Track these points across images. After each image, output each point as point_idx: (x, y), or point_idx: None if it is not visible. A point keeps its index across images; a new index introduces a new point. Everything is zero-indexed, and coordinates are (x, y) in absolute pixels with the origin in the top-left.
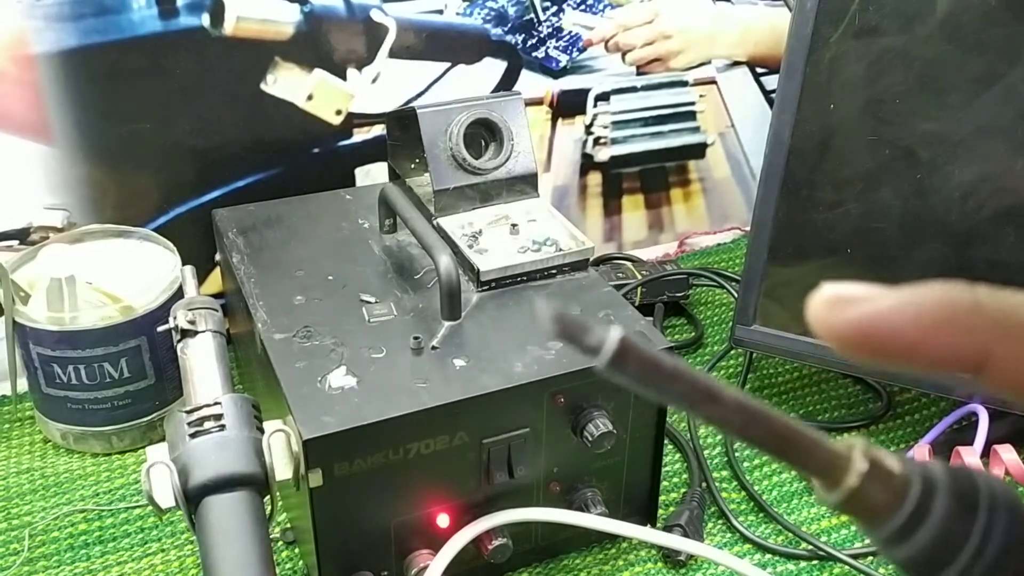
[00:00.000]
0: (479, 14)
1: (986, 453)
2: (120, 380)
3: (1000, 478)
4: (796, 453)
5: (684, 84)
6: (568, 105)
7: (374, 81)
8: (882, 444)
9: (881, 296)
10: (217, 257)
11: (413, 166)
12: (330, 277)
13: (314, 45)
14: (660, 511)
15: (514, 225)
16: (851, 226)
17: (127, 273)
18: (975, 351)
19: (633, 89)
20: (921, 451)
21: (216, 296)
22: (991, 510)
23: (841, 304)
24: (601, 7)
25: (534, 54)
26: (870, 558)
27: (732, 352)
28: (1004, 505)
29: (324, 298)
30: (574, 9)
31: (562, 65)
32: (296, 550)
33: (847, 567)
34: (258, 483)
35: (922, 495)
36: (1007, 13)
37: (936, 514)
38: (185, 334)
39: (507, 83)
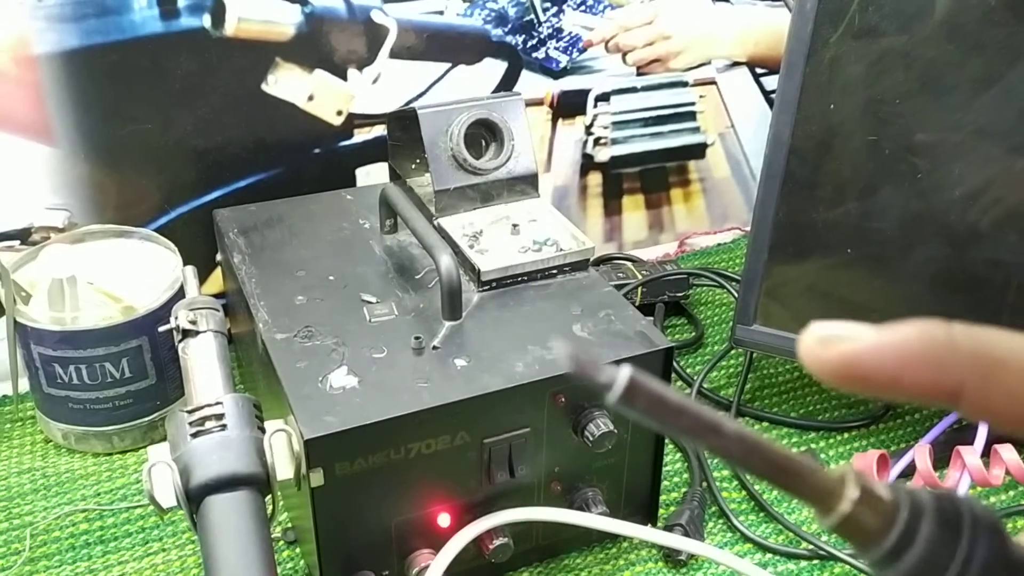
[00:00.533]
0: (479, 15)
1: (986, 453)
2: (121, 380)
3: (999, 479)
4: (792, 481)
5: (684, 84)
6: (568, 105)
7: (375, 82)
8: (882, 444)
9: (866, 334)
10: (218, 257)
11: (414, 166)
12: (331, 277)
13: (315, 46)
14: (661, 511)
15: (515, 225)
16: (851, 226)
17: (128, 273)
18: (950, 385)
19: (633, 89)
20: (922, 451)
21: (217, 296)
22: (973, 534)
23: (829, 342)
24: (601, 8)
25: (534, 55)
26: None
27: (732, 352)
28: (985, 529)
29: (325, 298)
30: (574, 10)
31: (562, 66)
32: (297, 550)
33: (847, 567)
34: (259, 483)
35: (909, 520)
36: (1007, 13)
37: (922, 538)
38: (186, 334)
39: (507, 84)
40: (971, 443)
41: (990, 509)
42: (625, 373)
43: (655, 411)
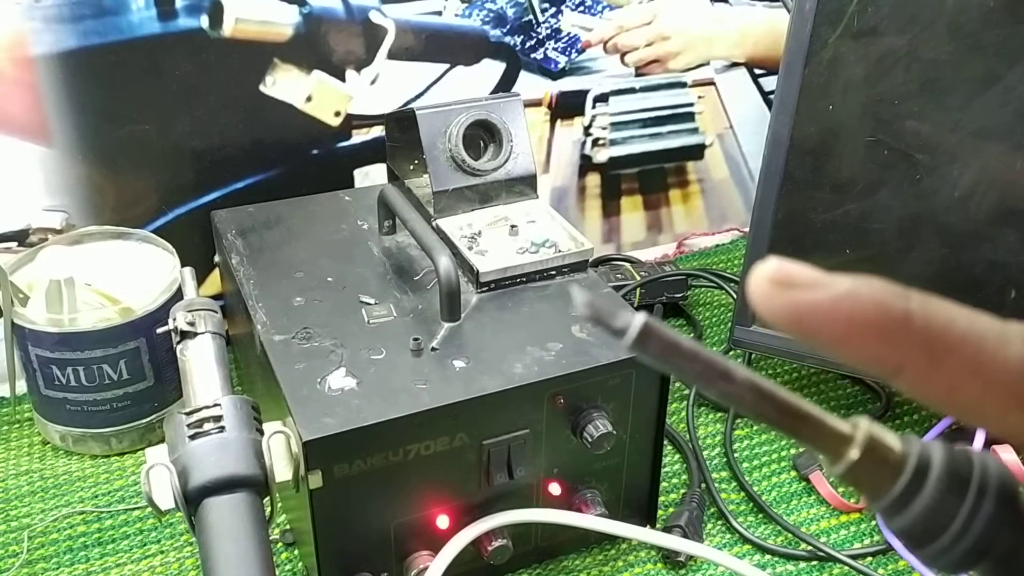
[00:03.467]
0: (478, 15)
1: None
2: (119, 382)
3: (1000, 462)
4: (804, 429)
5: (683, 85)
6: (567, 106)
7: (373, 82)
8: None
9: (822, 287)
10: (216, 258)
11: (412, 167)
12: (329, 278)
13: (313, 47)
14: (660, 512)
15: (513, 226)
16: (850, 227)
17: (126, 275)
18: (894, 361)
19: (632, 90)
20: None
21: (215, 297)
22: (980, 491)
23: (783, 285)
24: (600, 8)
25: (533, 55)
26: (869, 559)
27: (731, 353)
28: (995, 488)
29: (323, 299)
30: (573, 10)
31: (561, 66)
32: (296, 552)
33: (846, 568)
34: (258, 485)
35: (916, 471)
36: (1006, 14)
37: (928, 490)
38: (184, 336)
39: (506, 84)
40: (970, 443)
41: (1005, 468)
42: (640, 318)
43: (668, 356)
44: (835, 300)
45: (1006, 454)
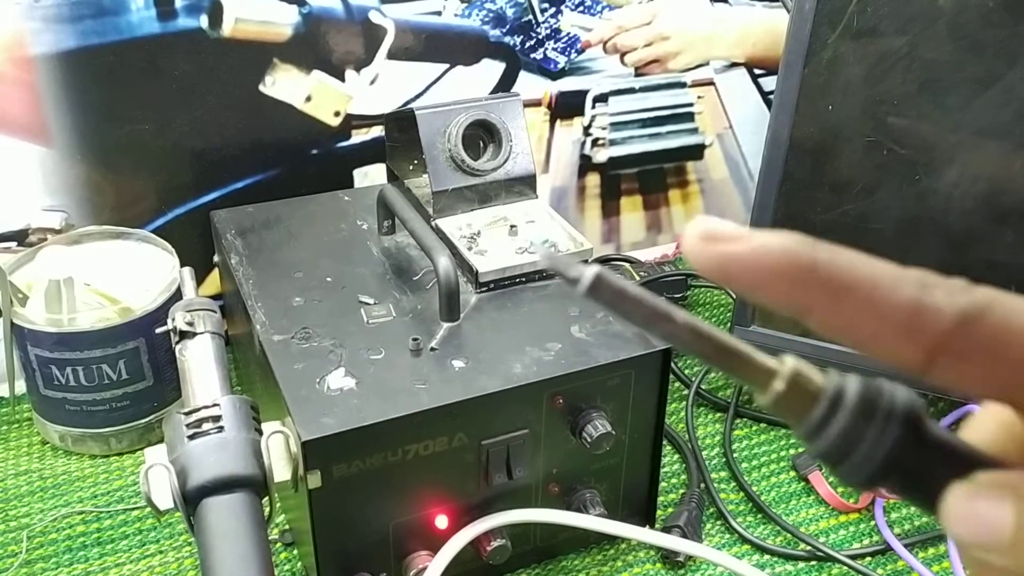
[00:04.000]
0: (477, 15)
1: None
2: (118, 382)
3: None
4: (736, 364)
5: (682, 85)
6: (566, 106)
7: (372, 82)
8: None
9: (741, 241)
10: (216, 258)
11: (412, 167)
12: (329, 278)
13: (312, 46)
14: (659, 512)
15: (513, 226)
16: (849, 227)
17: (125, 275)
18: (803, 302)
19: (631, 90)
20: None
21: (215, 297)
22: (887, 419)
23: (709, 240)
24: (599, 8)
25: (532, 55)
26: (868, 559)
27: None
28: (900, 416)
29: (323, 299)
30: (572, 10)
31: (560, 66)
32: (295, 551)
33: (845, 568)
34: (257, 484)
35: (833, 400)
36: (1005, 14)
37: (839, 418)
38: (183, 336)
39: (505, 84)
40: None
41: (912, 397)
42: (592, 270)
43: (616, 302)
44: (751, 251)
45: None
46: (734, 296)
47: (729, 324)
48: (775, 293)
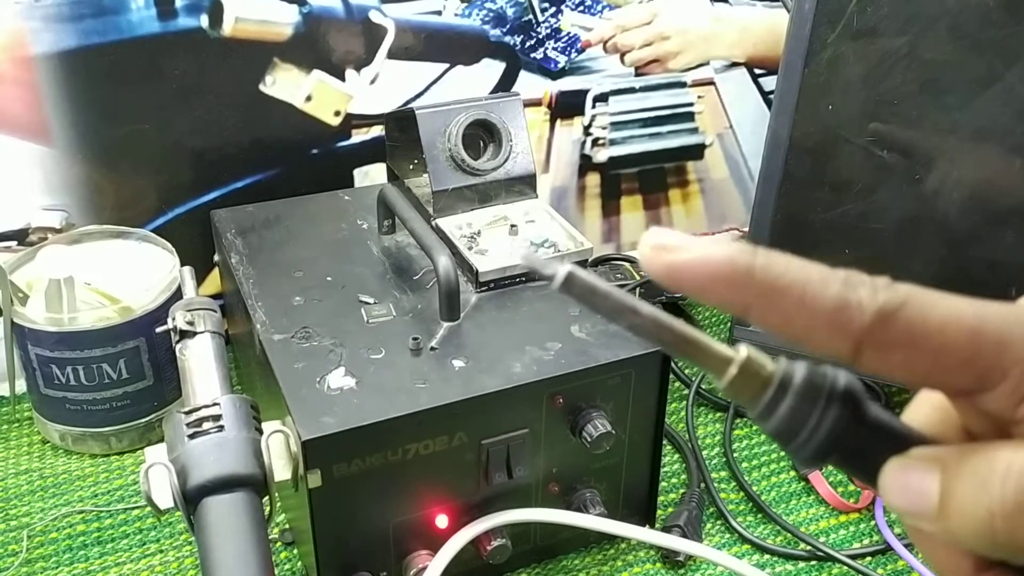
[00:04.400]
0: (478, 15)
1: None
2: (119, 381)
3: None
4: (694, 351)
5: (682, 85)
6: (567, 106)
7: (373, 82)
8: None
9: (688, 249)
10: (216, 258)
11: (412, 167)
12: (329, 278)
13: (313, 46)
14: (659, 512)
15: (513, 226)
16: (849, 227)
17: (126, 274)
18: (742, 303)
19: (631, 90)
20: None
21: (215, 297)
22: (828, 403)
23: (660, 249)
24: (600, 8)
25: (533, 55)
26: (868, 558)
27: None
28: (839, 400)
29: (323, 299)
30: (572, 10)
31: (560, 66)
32: (295, 551)
33: (845, 567)
34: (257, 484)
35: (781, 384)
36: (1005, 14)
37: (785, 403)
38: (184, 335)
39: (506, 84)
40: None
41: (852, 380)
42: (565, 268)
43: (586, 297)
44: (695, 259)
45: None
46: None
47: (729, 323)
48: (717, 296)
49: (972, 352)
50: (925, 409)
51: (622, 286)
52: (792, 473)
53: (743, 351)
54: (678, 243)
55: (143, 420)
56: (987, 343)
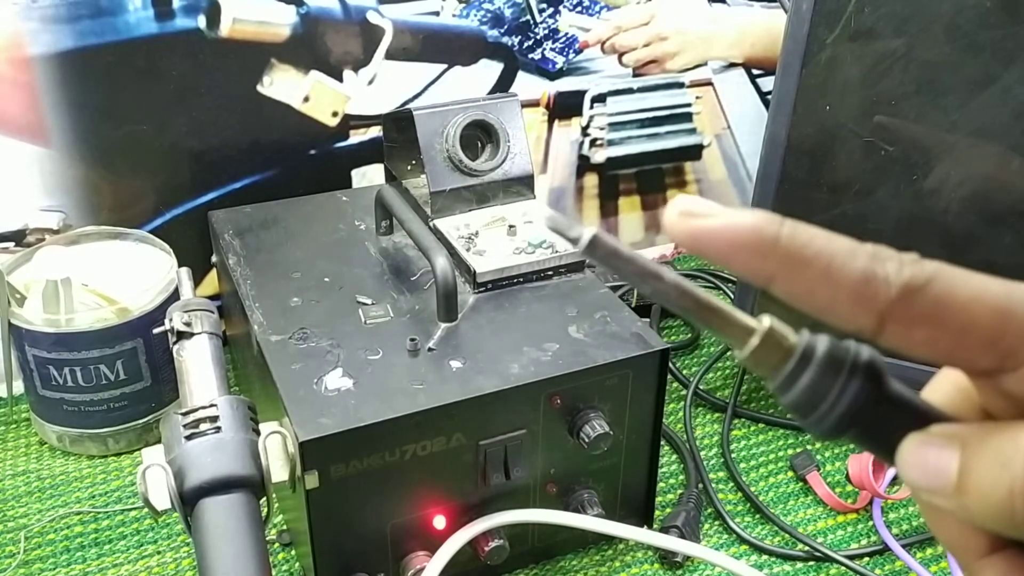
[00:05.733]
0: (475, 16)
1: None
2: (116, 382)
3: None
4: (716, 320)
5: (680, 86)
6: (564, 107)
7: (370, 83)
8: None
9: (714, 217)
10: (213, 259)
11: (409, 168)
12: (326, 279)
13: (310, 47)
14: (657, 512)
15: (511, 227)
16: (847, 228)
17: (123, 275)
18: (766, 272)
19: (629, 91)
20: None
21: (212, 298)
22: (850, 376)
23: (687, 215)
24: (597, 9)
25: (531, 56)
26: (866, 559)
27: (728, 353)
28: (862, 374)
29: (320, 300)
30: (570, 11)
31: (558, 67)
32: (292, 552)
33: (843, 568)
34: (254, 485)
35: (803, 356)
36: (1002, 15)
37: (808, 373)
38: (181, 336)
39: (503, 85)
40: None
41: (875, 354)
42: (590, 230)
43: (611, 260)
44: (722, 226)
45: None
46: (732, 295)
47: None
48: (742, 263)
49: (997, 332)
50: (945, 387)
51: (618, 287)
52: (790, 474)
53: (766, 321)
54: (705, 210)
55: (140, 421)
56: (1013, 323)
